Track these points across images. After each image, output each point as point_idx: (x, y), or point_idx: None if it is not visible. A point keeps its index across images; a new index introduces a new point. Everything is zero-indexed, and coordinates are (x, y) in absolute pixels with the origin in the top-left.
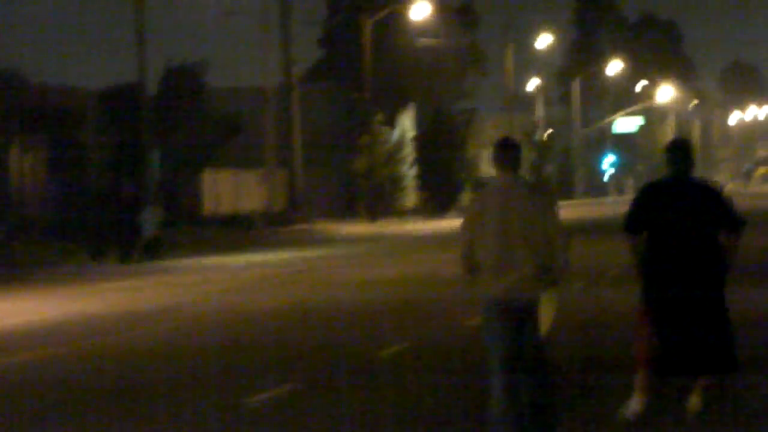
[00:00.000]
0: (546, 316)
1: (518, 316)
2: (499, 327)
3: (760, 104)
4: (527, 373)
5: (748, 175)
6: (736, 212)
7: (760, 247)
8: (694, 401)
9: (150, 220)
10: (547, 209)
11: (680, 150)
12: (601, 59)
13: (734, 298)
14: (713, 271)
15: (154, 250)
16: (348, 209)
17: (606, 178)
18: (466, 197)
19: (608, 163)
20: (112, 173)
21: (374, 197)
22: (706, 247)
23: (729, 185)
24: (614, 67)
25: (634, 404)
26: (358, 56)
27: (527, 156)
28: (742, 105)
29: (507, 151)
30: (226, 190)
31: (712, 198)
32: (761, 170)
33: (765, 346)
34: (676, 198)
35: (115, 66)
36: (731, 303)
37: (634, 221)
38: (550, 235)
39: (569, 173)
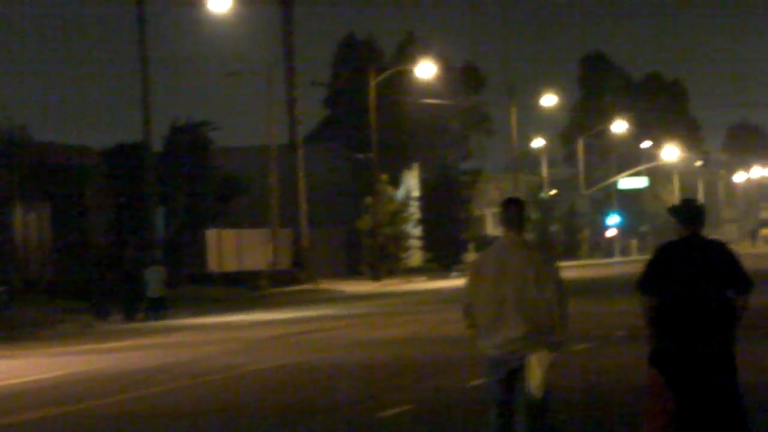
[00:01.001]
0: (537, 376)
1: (510, 374)
2: (494, 383)
3: (764, 165)
4: (526, 426)
5: (753, 235)
6: (745, 272)
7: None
8: None
9: (154, 279)
10: (544, 268)
11: (691, 210)
12: (606, 119)
13: (745, 359)
14: (723, 330)
15: (158, 309)
16: (352, 268)
17: (608, 235)
18: (470, 257)
19: (612, 223)
20: (116, 232)
21: (378, 256)
22: (716, 308)
23: (733, 246)
24: (619, 126)
25: None
26: (362, 116)
27: (532, 216)
28: (746, 165)
29: (512, 210)
30: (230, 248)
31: (723, 258)
32: (766, 230)
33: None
34: (688, 258)
35: (119, 125)
36: (742, 361)
37: (648, 282)
38: (547, 295)
39: (574, 233)
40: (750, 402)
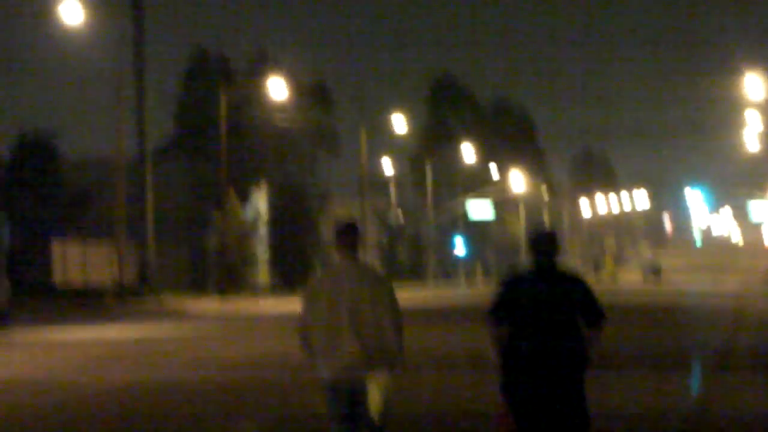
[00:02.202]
0: (376, 399)
1: (348, 397)
2: (332, 407)
3: (609, 194)
4: None
5: (596, 266)
6: (598, 304)
7: (615, 338)
8: None
9: None
10: (378, 292)
11: (546, 240)
12: (454, 143)
13: (595, 389)
14: (572, 361)
15: (1, 320)
16: (199, 285)
17: (454, 261)
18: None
19: (458, 249)
20: None
21: (225, 274)
22: (567, 339)
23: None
24: (466, 151)
25: None
26: (213, 132)
27: (380, 239)
28: (590, 193)
29: (345, 235)
30: (76, 261)
31: (575, 289)
32: (609, 261)
33: None
34: (540, 288)
35: None
36: (591, 393)
37: (497, 312)
38: (381, 318)
39: (421, 257)
40: None
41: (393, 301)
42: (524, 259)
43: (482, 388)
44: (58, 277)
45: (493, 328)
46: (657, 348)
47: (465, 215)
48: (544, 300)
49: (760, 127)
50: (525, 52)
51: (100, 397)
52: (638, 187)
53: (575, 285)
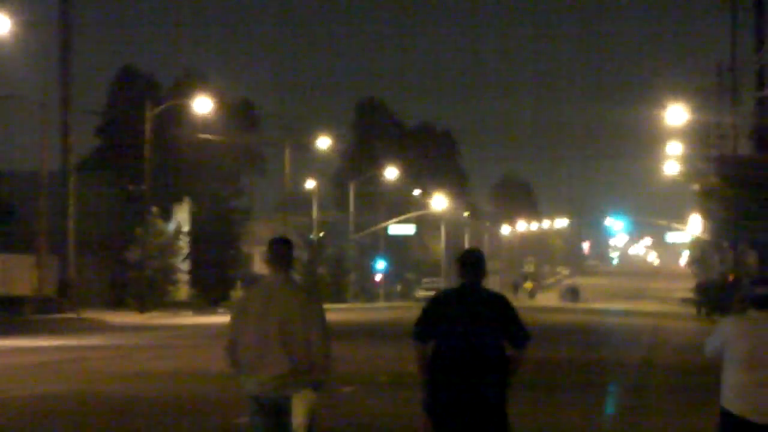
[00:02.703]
0: (300, 415)
1: (274, 412)
2: (257, 422)
3: (529, 219)
4: None
5: (516, 288)
6: (522, 325)
7: (536, 360)
8: None
9: None
10: (309, 308)
11: (471, 260)
12: (378, 165)
13: (517, 410)
14: (497, 382)
15: None
16: (118, 299)
17: (375, 280)
18: (237, 293)
19: (379, 268)
20: None
21: (145, 288)
22: (491, 358)
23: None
24: (389, 173)
25: None
26: (136, 147)
27: (301, 257)
28: (511, 218)
29: (279, 250)
30: None
31: (500, 309)
32: (528, 284)
33: None
34: (465, 307)
35: None
36: (515, 416)
37: (423, 329)
38: (310, 334)
39: (342, 276)
40: None
41: (322, 318)
42: (444, 279)
43: (404, 406)
44: None
45: (419, 344)
46: (579, 366)
47: (386, 235)
48: (469, 318)
49: (678, 158)
50: (452, 79)
51: (9, 405)
52: (559, 213)
53: (500, 304)
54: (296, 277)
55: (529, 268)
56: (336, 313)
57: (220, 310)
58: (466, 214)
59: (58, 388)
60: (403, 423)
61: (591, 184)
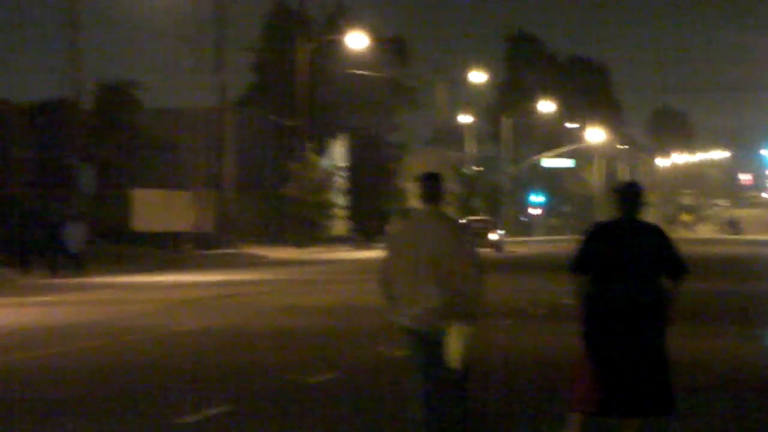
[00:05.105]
0: (456, 348)
1: (428, 345)
2: (412, 354)
3: (684, 151)
4: (445, 396)
5: (673, 220)
6: (680, 257)
7: (696, 291)
8: None
9: (75, 235)
10: (461, 244)
11: (629, 193)
12: (531, 98)
13: (676, 342)
14: (655, 314)
15: (78, 266)
16: (276, 235)
17: (531, 213)
18: (391, 227)
19: (535, 202)
20: (39, 186)
21: (303, 224)
22: (649, 290)
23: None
24: (544, 106)
25: None
26: (290, 83)
27: (456, 191)
28: (667, 150)
29: (427, 184)
30: (155, 209)
31: (657, 241)
32: (687, 216)
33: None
34: (623, 240)
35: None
36: (673, 346)
37: (580, 262)
38: (462, 267)
39: (496, 209)
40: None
41: (474, 251)
42: (599, 211)
43: (562, 338)
44: (137, 224)
45: (576, 277)
46: (739, 299)
47: (541, 168)
48: (627, 251)
49: None
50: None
51: (171, 339)
52: (717, 144)
53: (658, 237)
54: (450, 210)
55: (686, 200)
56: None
57: (377, 244)
58: (621, 146)
59: (216, 322)
60: (562, 355)
61: (751, 114)
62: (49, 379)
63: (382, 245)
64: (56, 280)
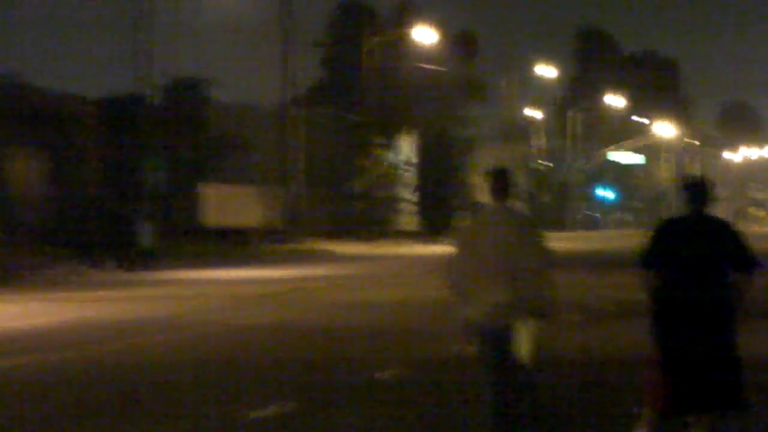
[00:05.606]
0: (524, 343)
1: (497, 340)
2: (481, 349)
3: (755, 145)
4: (515, 392)
5: (742, 215)
6: (750, 252)
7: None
8: None
9: (146, 230)
10: (531, 239)
11: (698, 187)
12: (600, 93)
13: (750, 339)
14: (724, 309)
15: (149, 260)
16: (344, 229)
17: (595, 212)
18: (458, 222)
19: (604, 196)
20: (111, 182)
21: (371, 219)
22: (717, 286)
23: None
24: (612, 101)
25: None
26: (358, 79)
27: (524, 186)
28: (737, 145)
29: (497, 180)
30: (224, 204)
31: (727, 236)
32: (758, 211)
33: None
34: (692, 234)
35: (111, 76)
36: (744, 343)
37: (649, 256)
38: (531, 262)
39: (565, 204)
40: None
41: (544, 246)
42: (669, 207)
43: (632, 334)
44: (206, 219)
45: (645, 272)
46: None
47: (610, 163)
48: (696, 245)
49: None
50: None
51: (240, 334)
52: None
53: (726, 230)
54: (519, 205)
55: (759, 195)
56: (561, 241)
57: (443, 239)
58: (690, 141)
59: (290, 316)
60: (631, 351)
61: None
62: (121, 373)
63: (448, 240)
64: (128, 275)
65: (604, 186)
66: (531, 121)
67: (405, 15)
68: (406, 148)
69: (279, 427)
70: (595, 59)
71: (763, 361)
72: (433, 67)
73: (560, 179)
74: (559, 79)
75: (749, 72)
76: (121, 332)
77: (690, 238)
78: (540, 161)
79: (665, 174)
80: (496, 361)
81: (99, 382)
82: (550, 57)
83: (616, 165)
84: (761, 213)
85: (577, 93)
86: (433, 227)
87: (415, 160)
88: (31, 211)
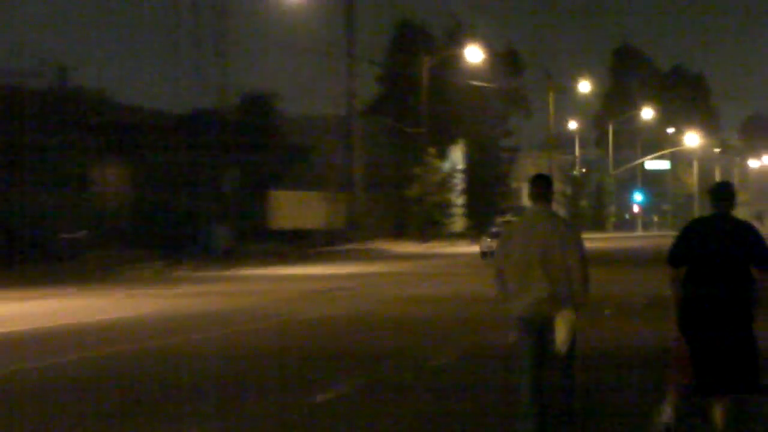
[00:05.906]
0: (562, 333)
1: (538, 331)
2: (522, 339)
3: None
4: (551, 380)
5: (759, 218)
6: (767, 247)
7: None
8: (718, 420)
9: (222, 233)
10: (568, 239)
11: (723, 192)
12: (634, 106)
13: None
14: (745, 302)
15: (224, 260)
16: (400, 231)
17: (632, 212)
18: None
19: (636, 201)
20: (190, 188)
21: (424, 221)
22: (739, 280)
23: None
24: (645, 113)
25: (666, 417)
26: (414, 93)
27: (564, 191)
28: (759, 153)
29: (538, 185)
30: (292, 208)
31: (749, 236)
32: None
33: None
34: (716, 233)
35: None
36: (762, 334)
37: (677, 254)
38: (569, 260)
39: (601, 208)
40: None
41: (580, 246)
42: (697, 209)
43: (660, 327)
44: (274, 223)
45: (673, 268)
46: None
47: (643, 170)
48: (721, 243)
49: None
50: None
51: (304, 325)
52: None
53: (747, 229)
54: (559, 209)
55: None
56: (596, 242)
57: (481, 237)
58: (716, 149)
59: (345, 309)
60: (659, 342)
61: None
62: (194, 362)
63: (488, 240)
64: (206, 273)
65: (636, 190)
66: (570, 132)
67: (457, 35)
68: (456, 157)
69: (342, 409)
70: (630, 74)
71: None
72: (480, 83)
73: (597, 185)
74: (595, 93)
75: None
76: (197, 325)
77: (715, 237)
78: (578, 168)
79: (693, 180)
80: (536, 351)
81: (178, 369)
82: (587, 72)
83: (648, 172)
84: None
85: (613, 106)
86: (480, 228)
87: (464, 167)
88: (117, 216)
